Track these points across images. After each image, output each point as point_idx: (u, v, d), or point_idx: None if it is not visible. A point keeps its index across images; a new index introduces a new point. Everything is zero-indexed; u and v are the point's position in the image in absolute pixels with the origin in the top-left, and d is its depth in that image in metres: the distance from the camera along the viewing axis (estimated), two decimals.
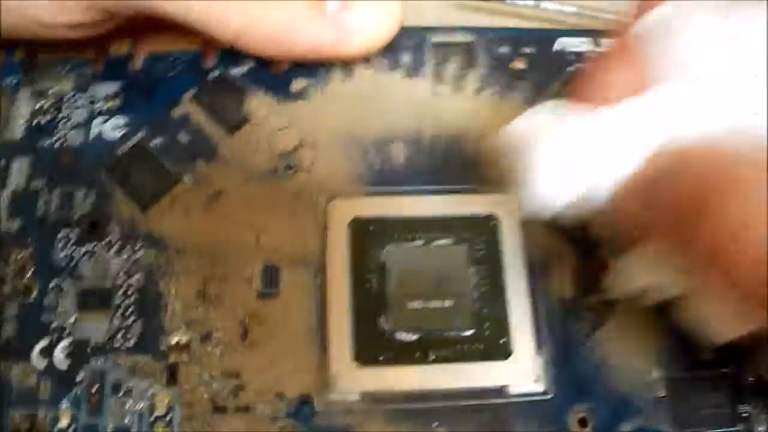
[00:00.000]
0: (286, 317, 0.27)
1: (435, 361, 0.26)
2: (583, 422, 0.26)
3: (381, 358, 0.26)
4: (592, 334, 0.27)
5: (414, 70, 0.31)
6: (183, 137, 0.29)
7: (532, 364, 0.26)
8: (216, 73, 0.30)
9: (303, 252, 0.28)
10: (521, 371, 0.26)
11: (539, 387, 0.26)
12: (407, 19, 0.30)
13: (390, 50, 0.31)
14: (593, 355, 0.27)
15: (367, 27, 0.29)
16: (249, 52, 0.29)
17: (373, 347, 0.26)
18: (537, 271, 0.28)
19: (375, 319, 0.27)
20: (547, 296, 0.28)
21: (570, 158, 0.22)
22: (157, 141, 0.29)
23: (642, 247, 0.23)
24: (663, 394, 0.27)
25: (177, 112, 0.30)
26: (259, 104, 0.30)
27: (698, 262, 0.19)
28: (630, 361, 0.27)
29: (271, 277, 0.27)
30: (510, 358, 0.26)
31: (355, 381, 0.26)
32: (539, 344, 0.27)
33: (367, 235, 0.28)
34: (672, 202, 0.19)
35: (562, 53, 0.31)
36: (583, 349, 0.27)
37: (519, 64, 0.31)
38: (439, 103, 0.30)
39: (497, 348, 0.27)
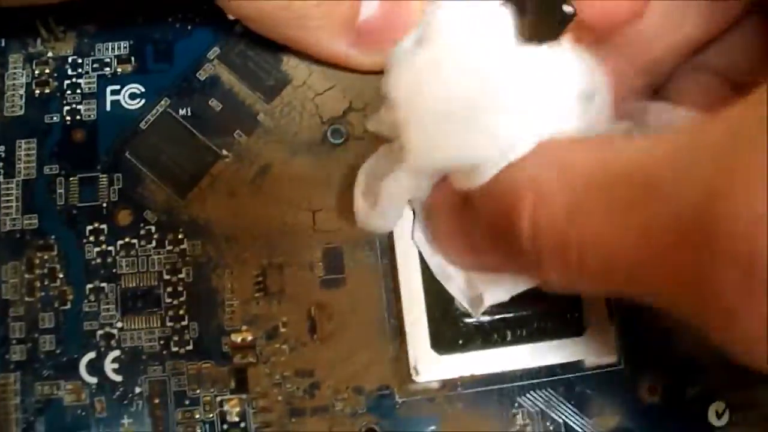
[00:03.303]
0: (354, 305, 0.25)
1: (512, 342, 0.25)
2: (652, 389, 0.27)
3: (459, 342, 0.25)
4: None
5: None
6: (215, 105, 0.26)
7: (606, 337, 0.26)
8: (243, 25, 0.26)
9: (365, 231, 0.25)
10: (596, 345, 0.26)
11: (612, 359, 0.26)
12: None
13: None
14: (659, 322, 0.27)
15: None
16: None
17: (450, 332, 0.25)
18: None
19: (449, 302, 0.25)
20: None
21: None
22: (184, 110, 0.25)
23: None
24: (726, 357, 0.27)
25: (203, 74, 0.26)
26: (299, 62, 0.26)
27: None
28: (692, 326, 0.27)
29: (333, 261, 0.25)
30: (585, 333, 0.26)
31: (436, 369, 0.25)
32: (610, 316, 0.26)
33: None
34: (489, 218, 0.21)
35: None
36: (649, 318, 0.27)
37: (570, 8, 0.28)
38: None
39: (572, 323, 0.26)
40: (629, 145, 0.19)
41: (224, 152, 0.25)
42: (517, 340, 0.26)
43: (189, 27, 0.26)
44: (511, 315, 0.26)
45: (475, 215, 0.22)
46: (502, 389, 0.25)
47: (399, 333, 0.25)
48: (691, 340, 0.27)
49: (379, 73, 0.26)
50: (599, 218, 0.17)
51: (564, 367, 0.26)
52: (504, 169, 0.20)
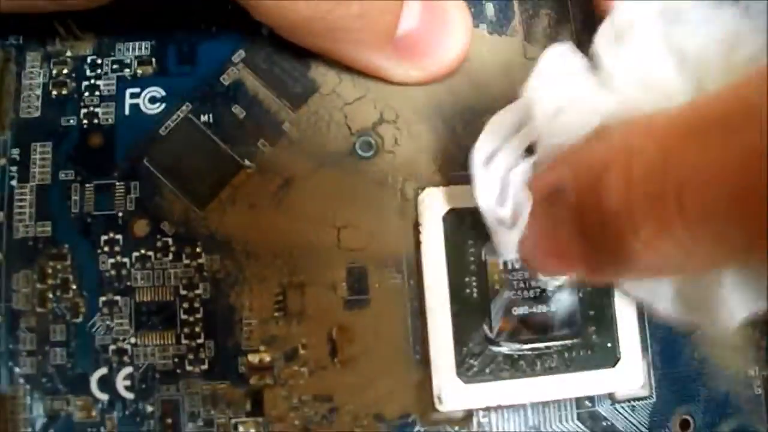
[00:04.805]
0: (378, 329, 0.24)
1: (542, 372, 0.24)
2: (684, 424, 0.25)
3: (487, 371, 0.24)
4: (692, 333, 0.26)
5: (500, 25, 0.26)
6: (238, 112, 0.24)
7: (639, 369, 0.25)
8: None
9: (392, 251, 0.24)
10: (629, 377, 0.25)
11: (645, 392, 0.25)
12: None
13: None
14: (693, 355, 0.26)
15: (430, 61, 0.25)
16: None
17: (477, 360, 0.24)
18: None
19: (478, 328, 0.24)
20: None
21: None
22: (206, 117, 0.24)
23: None
24: (760, 392, 0.26)
25: (227, 78, 0.25)
26: (328, 69, 0.25)
27: None
28: (728, 360, 0.26)
29: (357, 281, 0.24)
30: (618, 365, 0.25)
31: (461, 398, 0.24)
32: (644, 347, 0.25)
33: (465, 229, 0.24)
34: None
35: None
36: (683, 350, 0.26)
37: None
38: (532, 66, 0.26)
39: (605, 354, 0.25)
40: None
41: (247, 162, 0.24)
42: (546, 371, 0.24)
43: (214, 28, 0.25)
44: (541, 345, 0.24)
45: (563, 211, 0.20)
46: (527, 421, 0.24)
47: (424, 359, 0.24)
48: (726, 375, 0.26)
49: (412, 84, 0.25)
50: (696, 153, 0.16)
51: (594, 399, 0.25)
52: (594, 141, 0.19)
